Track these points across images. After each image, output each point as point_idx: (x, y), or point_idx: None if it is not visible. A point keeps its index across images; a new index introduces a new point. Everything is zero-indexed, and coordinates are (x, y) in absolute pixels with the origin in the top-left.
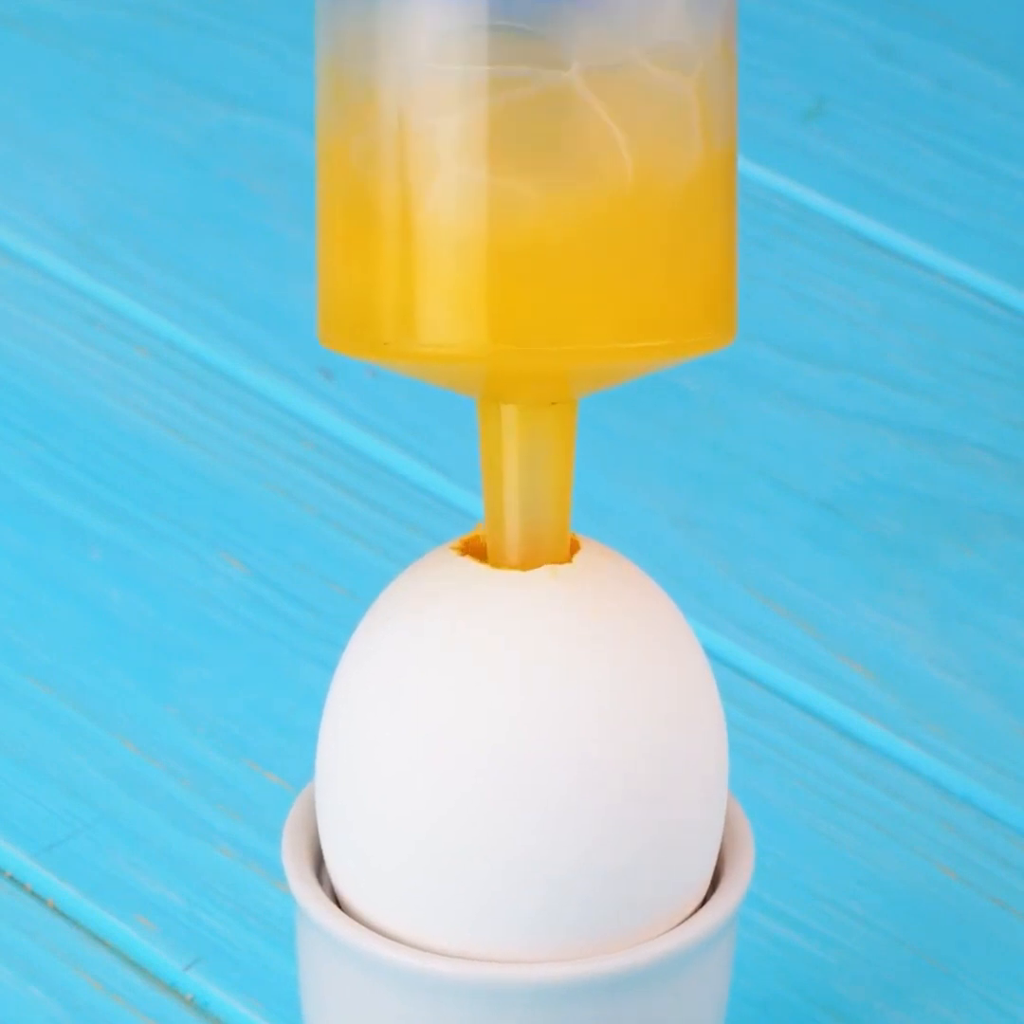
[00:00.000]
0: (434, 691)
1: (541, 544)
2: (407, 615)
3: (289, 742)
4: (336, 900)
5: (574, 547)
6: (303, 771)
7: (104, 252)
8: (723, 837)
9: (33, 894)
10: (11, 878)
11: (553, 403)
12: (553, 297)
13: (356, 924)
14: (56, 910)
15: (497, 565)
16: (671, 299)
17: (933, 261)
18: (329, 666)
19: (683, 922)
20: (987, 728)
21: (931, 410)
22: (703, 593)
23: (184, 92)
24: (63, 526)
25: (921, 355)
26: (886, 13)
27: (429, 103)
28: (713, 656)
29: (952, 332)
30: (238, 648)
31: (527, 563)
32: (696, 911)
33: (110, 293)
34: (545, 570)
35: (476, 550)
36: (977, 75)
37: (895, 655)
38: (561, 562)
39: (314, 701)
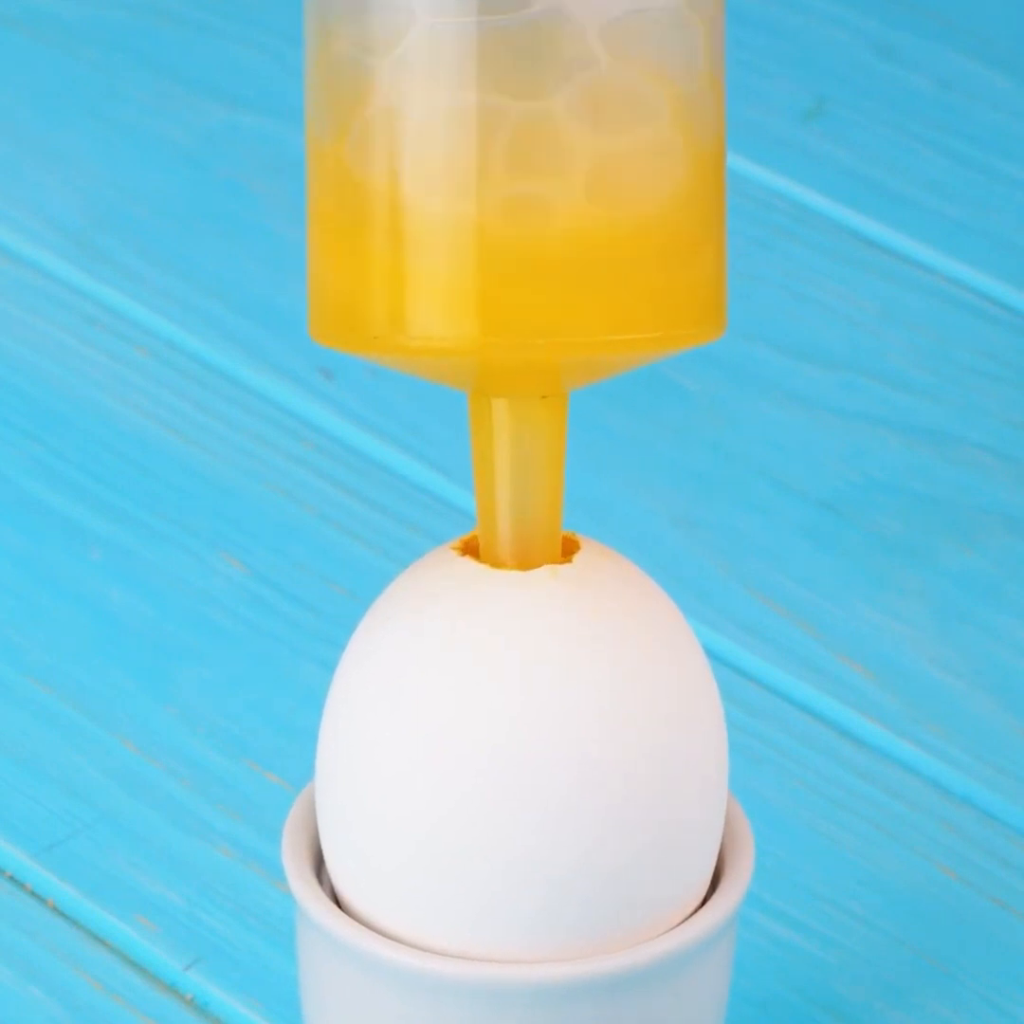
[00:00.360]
0: (434, 691)
1: (533, 540)
2: (407, 615)
3: (289, 742)
4: (336, 900)
5: (574, 547)
6: (303, 771)
7: (104, 252)
8: (723, 837)
9: (33, 894)
10: (11, 878)
11: (544, 396)
12: (543, 290)
13: (356, 924)
14: (56, 910)
15: (490, 562)
16: (661, 292)
17: (933, 261)
18: (329, 666)
19: (683, 922)
20: (987, 728)
21: (931, 410)
22: (703, 593)
23: (184, 92)
24: (63, 526)
25: (921, 355)
26: (886, 13)
27: (419, 89)
28: (713, 656)
29: (952, 332)
30: (238, 648)
31: (519, 558)
32: (696, 911)
33: (110, 293)
34: (545, 570)
35: (476, 550)
36: (977, 75)
37: (895, 655)
38: (553, 556)
39: (314, 701)
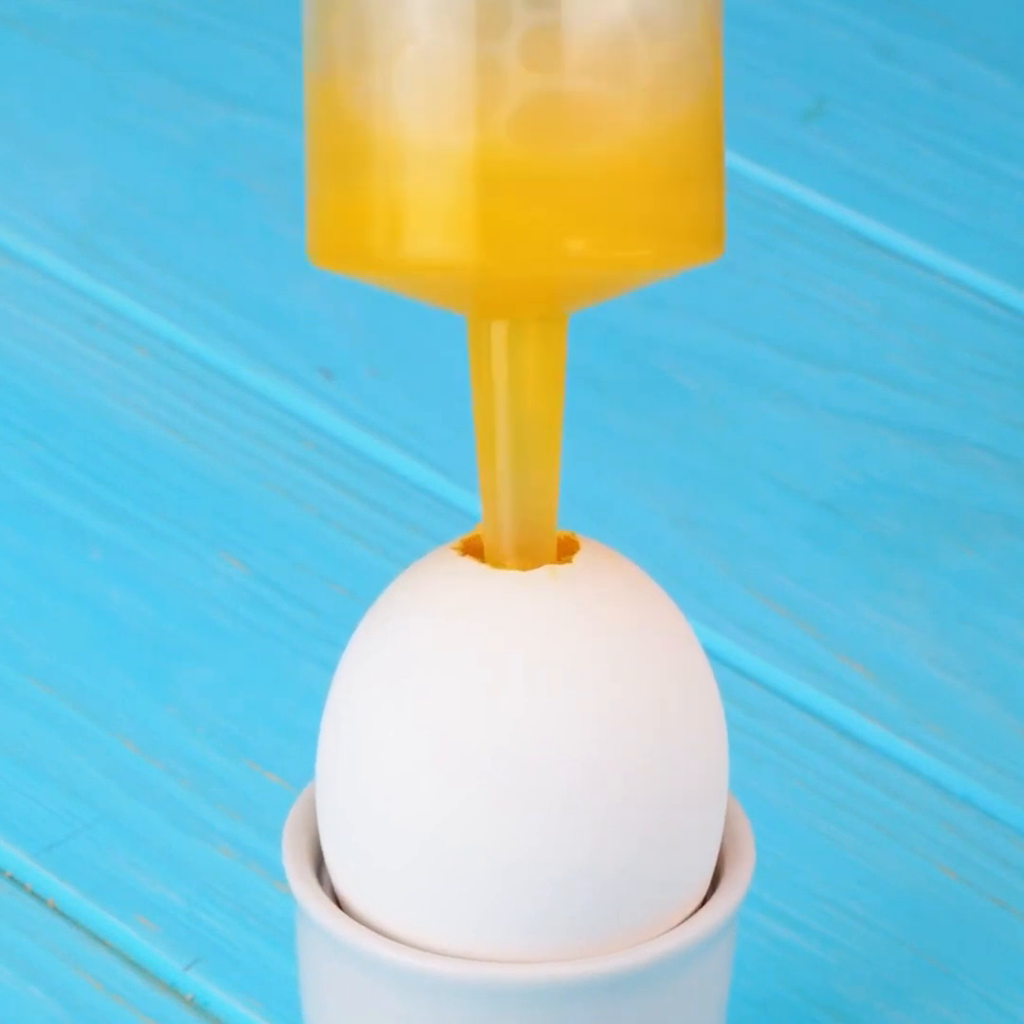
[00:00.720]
0: (436, 691)
1: (531, 471)
2: (408, 615)
3: (289, 742)
4: (336, 900)
5: (574, 547)
6: (303, 771)
7: (104, 252)
8: (723, 837)
9: (33, 894)
10: (11, 878)
11: (542, 319)
12: (542, 206)
13: (356, 924)
14: (56, 910)
15: (489, 512)
16: (660, 209)
17: (933, 261)
18: (329, 666)
19: (683, 922)
20: (987, 728)
21: (931, 410)
22: (703, 593)
23: (184, 92)
24: (63, 526)
25: (921, 355)
26: (886, 13)
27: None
28: (713, 656)
29: (952, 332)
30: (238, 648)
31: (518, 503)
32: (696, 911)
33: (110, 293)
34: (545, 570)
35: (476, 550)
36: (977, 75)
37: (895, 655)
38: (551, 488)
39: (314, 701)
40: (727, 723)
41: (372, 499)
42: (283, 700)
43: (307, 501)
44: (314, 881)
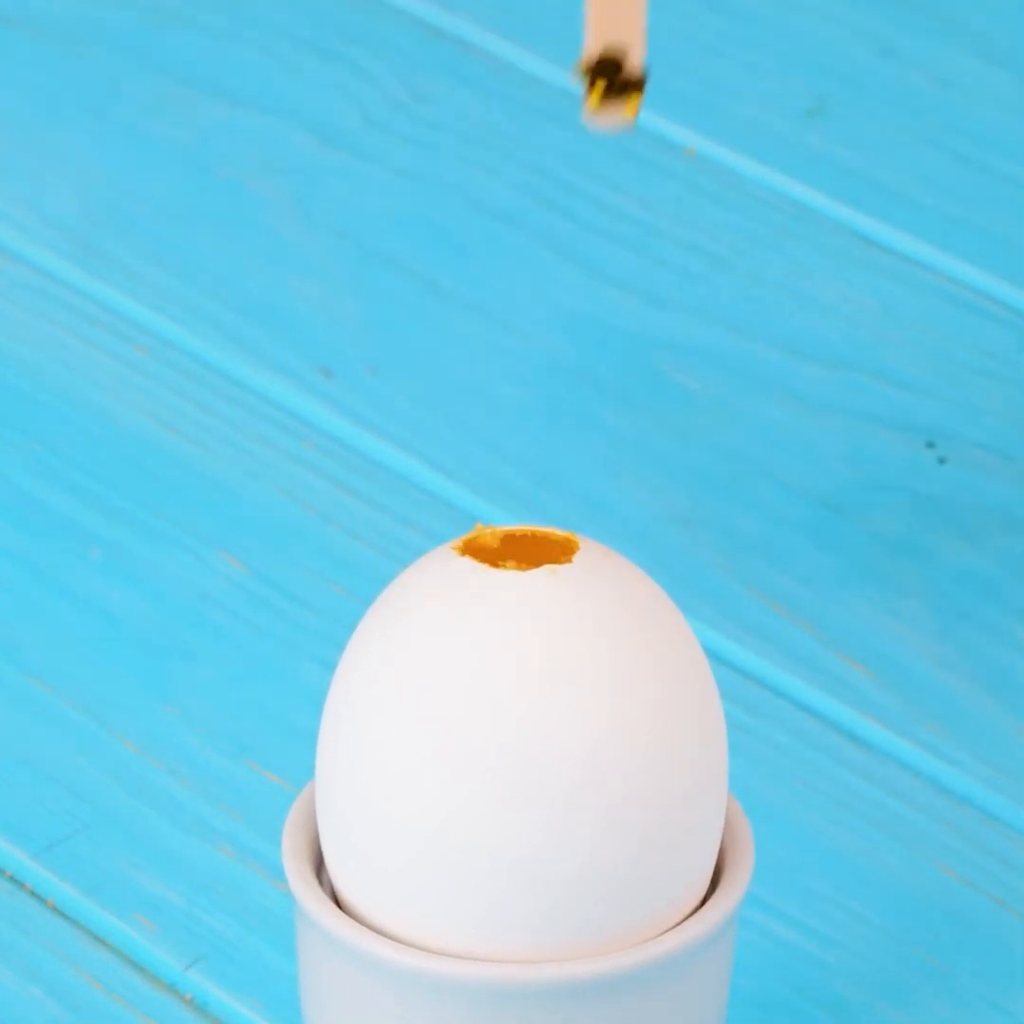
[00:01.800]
0: (436, 691)
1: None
2: (408, 614)
3: (289, 742)
4: (336, 900)
5: (574, 547)
6: (303, 771)
7: (104, 252)
8: (723, 837)
9: (33, 894)
10: (11, 878)
11: None
12: None
13: (356, 924)
14: (56, 910)
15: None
16: None
17: (933, 260)
18: (329, 666)
19: (683, 921)
20: (987, 728)
21: (931, 410)
22: (703, 593)
23: (184, 92)
24: (63, 526)
25: (921, 354)
26: (886, 13)
27: None
28: (713, 656)
29: (952, 331)
30: (238, 648)
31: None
32: (696, 911)
33: (110, 293)
34: (545, 570)
35: (476, 550)
36: (978, 74)
37: (895, 655)
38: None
39: (314, 701)
40: (727, 723)
41: (372, 499)
42: (283, 700)
43: (307, 501)
44: (314, 881)
